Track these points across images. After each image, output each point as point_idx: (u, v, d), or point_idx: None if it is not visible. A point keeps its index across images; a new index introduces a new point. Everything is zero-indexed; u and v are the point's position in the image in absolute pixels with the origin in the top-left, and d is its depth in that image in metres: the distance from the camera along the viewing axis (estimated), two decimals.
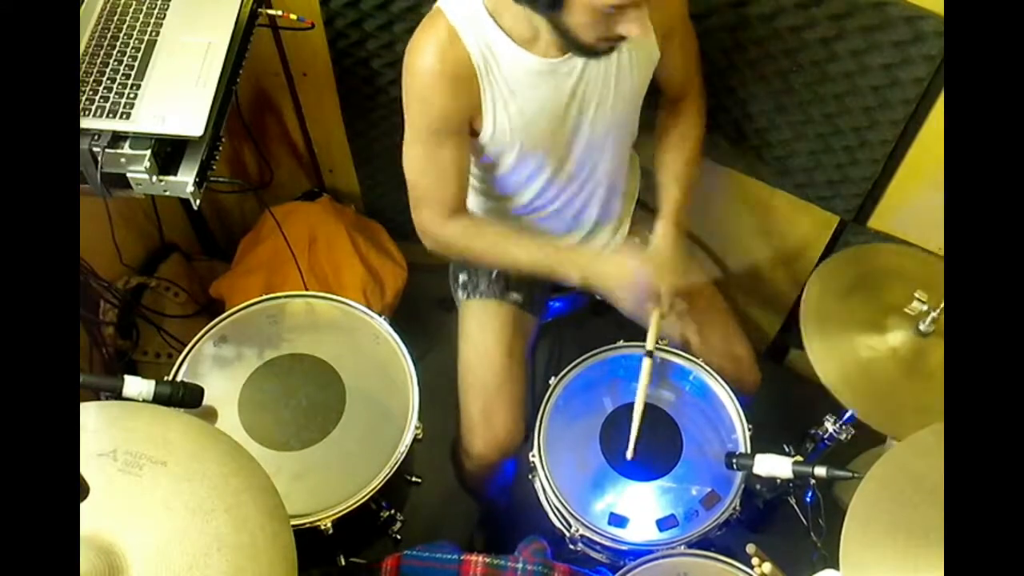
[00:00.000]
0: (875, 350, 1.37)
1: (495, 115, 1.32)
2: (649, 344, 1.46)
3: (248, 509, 0.93)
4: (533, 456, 1.44)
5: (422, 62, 1.27)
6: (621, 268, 1.38)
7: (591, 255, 1.46)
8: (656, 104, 1.54)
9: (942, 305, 1.31)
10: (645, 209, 1.65)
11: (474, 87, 1.28)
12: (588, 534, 1.37)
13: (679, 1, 1.38)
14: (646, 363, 1.45)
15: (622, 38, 1.20)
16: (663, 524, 1.40)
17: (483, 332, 1.56)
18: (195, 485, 0.93)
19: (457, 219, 1.41)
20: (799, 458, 1.33)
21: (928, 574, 0.90)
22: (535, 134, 1.35)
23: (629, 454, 1.41)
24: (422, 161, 1.36)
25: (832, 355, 1.36)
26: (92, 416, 0.97)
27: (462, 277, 1.62)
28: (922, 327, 1.35)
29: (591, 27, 1.18)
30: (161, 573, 0.86)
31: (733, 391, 1.49)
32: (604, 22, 1.17)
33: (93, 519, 0.86)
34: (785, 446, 1.46)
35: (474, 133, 1.36)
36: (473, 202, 1.58)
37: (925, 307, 1.33)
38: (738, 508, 1.39)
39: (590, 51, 1.24)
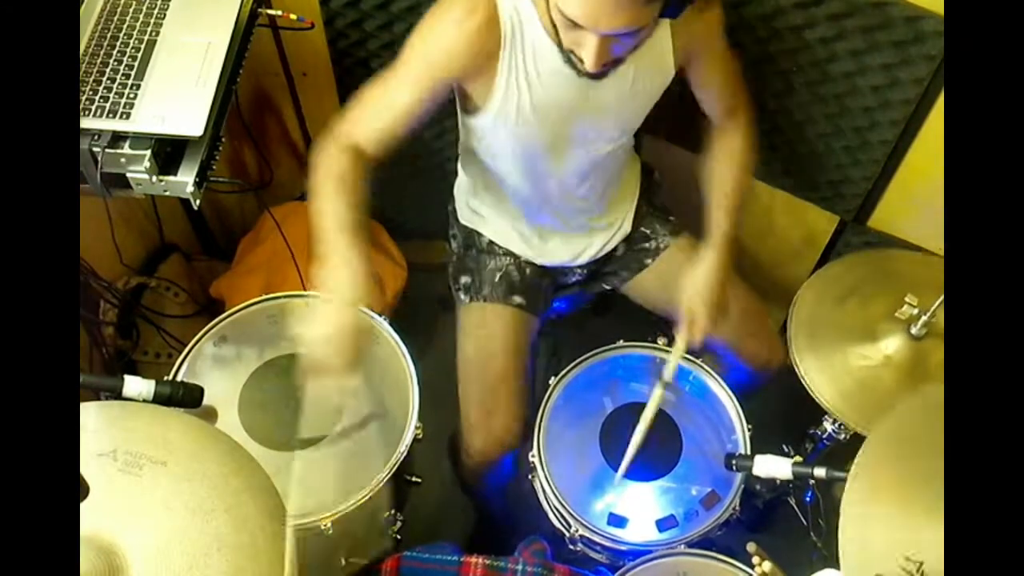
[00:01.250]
0: (869, 359, 1.36)
1: (506, 89, 1.28)
2: (667, 375, 1.46)
3: (248, 509, 0.93)
4: (533, 456, 1.44)
5: (449, 9, 1.23)
6: (317, 323, 1.22)
7: (323, 287, 1.23)
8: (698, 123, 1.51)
9: (933, 307, 1.31)
10: (651, 206, 1.65)
11: (493, 52, 1.24)
12: (588, 534, 1.37)
13: (708, 25, 1.33)
14: (657, 391, 1.45)
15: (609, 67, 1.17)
16: (663, 524, 1.40)
17: (484, 334, 1.55)
18: (195, 485, 0.93)
19: (345, 151, 1.29)
20: (799, 459, 1.33)
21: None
22: (539, 130, 1.33)
23: (621, 471, 1.42)
24: (381, 91, 1.29)
25: (826, 371, 1.36)
26: (92, 416, 0.97)
27: (464, 279, 1.61)
28: (914, 331, 1.34)
29: (562, 29, 1.15)
30: (161, 573, 0.86)
31: (756, 370, 1.49)
32: (569, 34, 1.15)
33: (93, 519, 0.86)
34: (784, 446, 1.47)
35: (474, 109, 1.33)
36: (466, 185, 1.59)
37: (916, 310, 1.32)
38: (738, 508, 1.39)
39: (571, 60, 1.21)
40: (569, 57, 1.21)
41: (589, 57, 1.14)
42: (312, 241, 1.25)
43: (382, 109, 1.30)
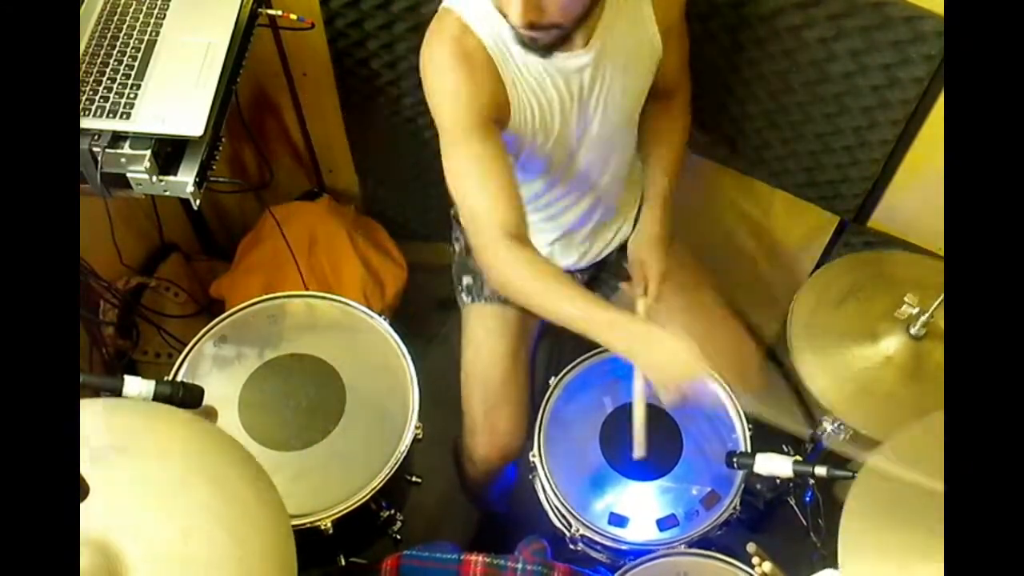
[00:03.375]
0: (868, 359, 1.36)
1: (518, 104, 1.28)
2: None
3: (225, 472, 0.93)
4: (533, 456, 1.44)
5: (437, 55, 1.22)
6: (672, 357, 1.17)
7: (643, 333, 1.23)
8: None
9: (933, 306, 1.31)
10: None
11: (494, 74, 1.24)
12: (588, 534, 1.37)
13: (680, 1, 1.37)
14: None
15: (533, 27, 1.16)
16: (663, 524, 1.40)
17: (487, 336, 1.55)
18: (164, 461, 0.93)
19: (520, 249, 1.23)
20: (799, 457, 1.33)
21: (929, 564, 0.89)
22: (548, 131, 1.34)
23: (638, 452, 1.34)
24: (464, 168, 1.25)
25: (826, 372, 1.36)
26: None
27: (466, 280, 1.61)
28: (913, 331, 1.34)
29: None
30: (159, 556, 0.86)
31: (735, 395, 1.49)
32: None
33: (84, 518, 0.86)
34: (784, 446, 1.47)
35: (503, 125, 1.30)
36: None
37: (915, 310, 1.32)
38: (738, 508, 1.39)
39: (522, 39, 1.20)
40: (520, 37, 1.19)
41: (516, 9, 1.11)
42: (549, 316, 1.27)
43: (489, 185, 1.24)
